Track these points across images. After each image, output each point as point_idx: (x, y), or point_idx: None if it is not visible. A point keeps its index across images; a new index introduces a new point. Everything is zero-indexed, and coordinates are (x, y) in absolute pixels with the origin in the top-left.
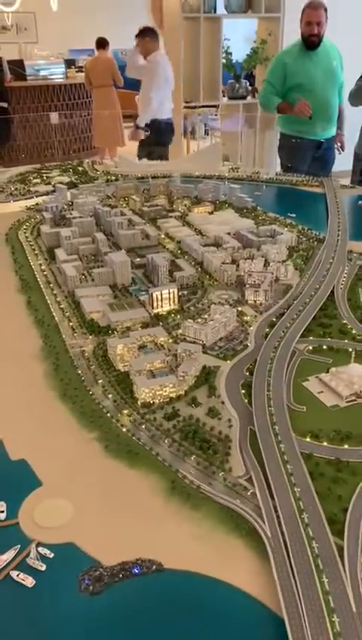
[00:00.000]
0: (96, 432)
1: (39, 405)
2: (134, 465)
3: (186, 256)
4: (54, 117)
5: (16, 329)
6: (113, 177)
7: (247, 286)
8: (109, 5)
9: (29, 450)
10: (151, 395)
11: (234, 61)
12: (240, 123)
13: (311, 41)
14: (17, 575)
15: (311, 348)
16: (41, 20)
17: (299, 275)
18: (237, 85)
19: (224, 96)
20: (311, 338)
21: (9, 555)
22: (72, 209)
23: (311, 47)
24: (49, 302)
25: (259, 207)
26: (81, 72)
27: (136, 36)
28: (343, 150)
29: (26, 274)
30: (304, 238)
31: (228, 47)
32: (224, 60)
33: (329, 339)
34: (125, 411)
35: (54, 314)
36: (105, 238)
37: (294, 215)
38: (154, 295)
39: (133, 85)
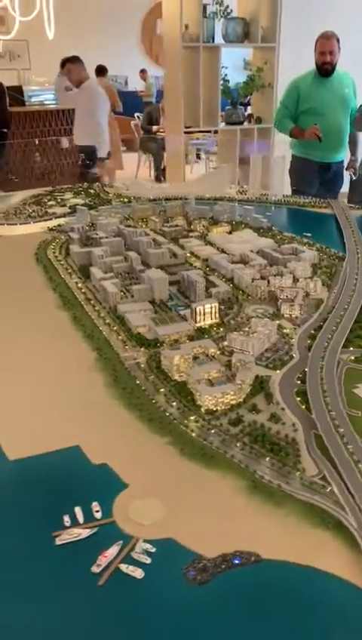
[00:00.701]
0: (168, 437)
1: (107, 413)
2: (211, 466)
3: (216, 273)
4: (64, 141)
5: (68, 343)
6: (126, 199)
7: (280, 301)
8: (101, 34)
9: (108, 455)
10: (213, 402)
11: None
12: (261, 147)
13: (324, 69)
14: (127, 567)
15: (353, 358)
16: (33, 47)
17: (326, 290)
18: (234, 111)
19: (222, 121)
20: (352, 348)
21: (114, 549)
22: (95, 229)
23: (324, 75)
24: (93, 317)
25: (274, 228)
26: None
27: (66, 63)
28: (355, 176)
29: (64, 291)
30: (324, 256)
31: (225, 75)
32: (222, 87)
33: None
34: (191, 418)
35: (101, 328)
36: (138, 256)
37: (309, 234)
38: (197, 309)
39: (128, 111)
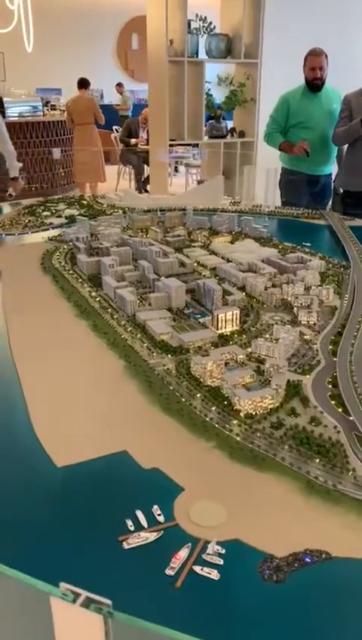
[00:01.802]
0: (213, 441)
1: (148, 419)
2: (262, 469)
3: (227, 282)
4: (57, 152)
5: (94, 352)
6: (120, 210)
7: (296, 308)
8: (76, 47)
9: (157, 460)
10: (253, 406)
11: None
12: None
13: (314, 84)
14: (201, 569)
15: None
16: (9, 60)
17: (338, 297)
18: (217, 125)
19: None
20: None
21: (184, 552)
22: (97, 239)
23: (314, 90)
24: (112, 325)
25: (274, 238)
26: (55, 110)
27: None
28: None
29: (79, 300)
30: (329, 265)
31: (209, 90)
32: (206, 102)
33: None
34: (234, 422)
35: (124, 336)
36: (150, 265)
37: (309, 244)
38: (219, 317)
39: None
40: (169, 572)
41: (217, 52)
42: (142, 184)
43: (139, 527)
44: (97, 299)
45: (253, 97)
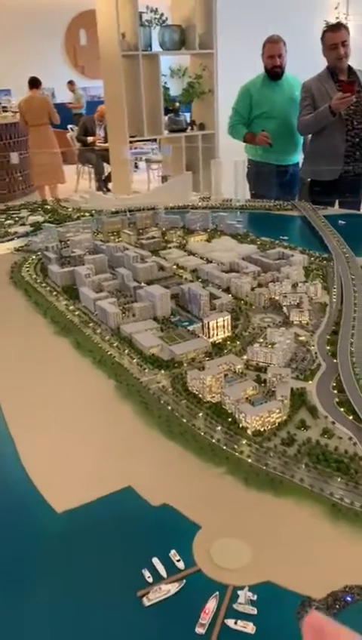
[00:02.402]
0: (224, 466)
1: (150, 445)
2: (282, 494)
3: (211, 284)
4: (14, 157)
5: (80, 372)
6: (87, 213)
7: (285, 307)
8: (24, 45)
9: (166, 493)
10: (260, 422)
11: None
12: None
13: (274, 72)
14: (235, 623)
15: None
16: None
17: (326, 293)
18: (176, 119)
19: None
20: None
21: (212, 603)
22: (68, 247)
23: (274, 78)
24: (96, 341)
25: (250, 233)
26: (6, 111)
27: None
28: None
29: (56, 315)
30: (311, 258)
31: (165, 83)
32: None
33: None
34: (243, 442)
35: (110, 352)
36: (130, 272)
37: (286, 238)
38: (210, 324)
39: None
40: (199, 630)
41: (171, 44)
42: (103, 183)
43: (157, 578)
44: (76, 312)
45: (211, 89)
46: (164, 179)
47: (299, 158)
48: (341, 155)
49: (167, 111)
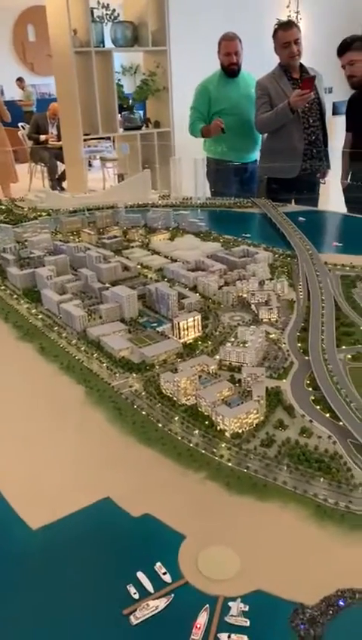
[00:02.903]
0: (204, 471)
1: (126, 453)
2: (265, 498)
3: (177, 284)
4: None
5: (46, 379)
6: (44, 213)
7: (253, 305)
8: None
9: (146, 503)
10: (238, 424)
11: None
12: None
13: (230, 70)
14: (229, 637)
15: (350, 356)
16: None
17: (292, 290)
18: (131, 116)
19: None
20: (344, 347)
21: (203, 617)
22: (26, 248)
23: (231, 75)
24: (62, 346)
25: (212, 231)
26: None
27: None
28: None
29: (18, 320)
30: (276, 255)
31: (119, 80)
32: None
33: (360, 346)
34: (223, 445)
35: (78, 357)
36: (93, 273)
37: (249, 235)
38: (180, 324)
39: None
40: None
41: (124, 40)
42: (57, 182)
43: (144, 594)
44: (39, 316)
45: (166, 86)
46: (120, 177)
47: (257, 155)
48: (300, 153)
49: (121, 109)
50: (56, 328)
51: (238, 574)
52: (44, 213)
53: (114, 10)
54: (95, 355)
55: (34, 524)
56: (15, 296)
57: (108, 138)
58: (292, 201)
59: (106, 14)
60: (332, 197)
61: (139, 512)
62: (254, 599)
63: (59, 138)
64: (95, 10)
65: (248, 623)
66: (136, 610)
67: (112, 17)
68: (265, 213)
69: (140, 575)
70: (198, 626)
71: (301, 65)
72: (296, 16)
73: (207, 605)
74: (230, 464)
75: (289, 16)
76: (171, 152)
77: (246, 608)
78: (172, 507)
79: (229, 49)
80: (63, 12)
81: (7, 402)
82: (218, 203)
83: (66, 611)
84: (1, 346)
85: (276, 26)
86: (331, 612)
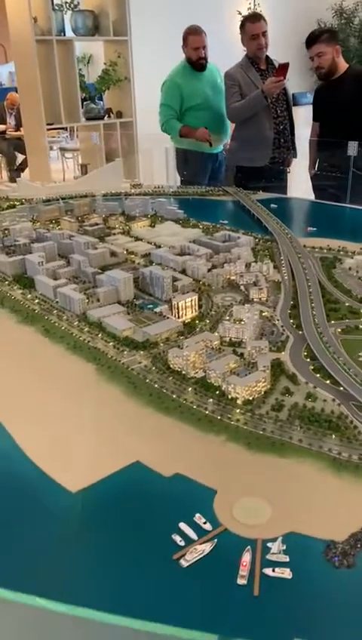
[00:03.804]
0: (224, 434)
1: (148, 421)
2: (284, 454)
3: (166, 267)
4: None
5: (56, 358)
6: (17, 202)
7: (242, 286)
8: None
9: (176, 464)
10: (249, 392)
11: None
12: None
13: (199, 64)
14: (273, 571)
15: (339, 330)
16: None
17: (277, 271)
18: (93, 106)
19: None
20: (333, 322)
21: (247, 557)
22: (7, 236)
23: (199, 70)
24: (64, 328)
25: (191, 218)
26: None
27: None
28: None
29: (15, 305)
30: (256, 240)
31: (80, 69)
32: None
33: (347, 320)
34: (237, 410)
35: (83, 337)
36: (85, 258)
37: (226, 222)
38: (179, 304)
39: None
40: (241, 581)
41: (84, 30)
42: (15, 173)
43: (189, 541)
44: (35, 301)
45: (127, 76)
46: (84, 167)
47: (226, 145)
48: (269, 142)
49: (82, 99)
50: (55, 312)
51: (271, 520)
52: (17, 203)
53: None
54: (100, 336)
55: (73, 487)
56: (7, 282)
57: (66, 129)
58: (260, 189)
59: (66, 2)
60: (299, 185)
61: (169, 472)
62: (289, 540)
63: (17, 128)
64: None
65: (288, 559)
66: (185, 554)
67: (72, 6)
68: (237, 200)
69: (182, 525)
70: (244, 563)
71: (267, 56)
72: (255, 8)
73: (249, 547)
74: (246, 427)
75: (249, 8)
76: (134, 142)
77: (284, 547)
78: (200, 466)
79: (197, 44)
80: None
81: (22, 381)
82: (190, 191)
83: (119, 561)
84: (4, 330)
85: (244, 18)
86: (359, 545)
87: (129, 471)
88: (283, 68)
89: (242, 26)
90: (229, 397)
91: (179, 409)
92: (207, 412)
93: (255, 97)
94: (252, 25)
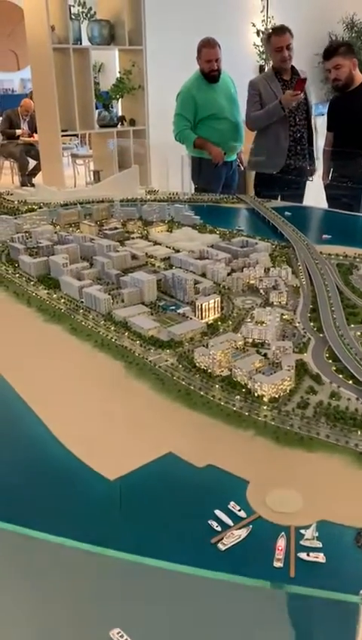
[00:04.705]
0: (252, 429)
1: (178, 416)
2: (313, 449)
3: (185, 271)
4: None
5: (85, 355)
6: (36, 206)
7: (262, 290)
8: None
9: (208, 456)
10: (275, 390)
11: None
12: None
13: (212, 76)
14: (308, 555)
15: (359, 333)
16: None
17: (295, 277)
18: (107, 114)
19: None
20: (352, 325)
21: (282, 542)
22: (29, 238)
23: (212, 81)
24: (90, 326)
25: (207, 224)
26: None
27: None
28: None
29: (42, 304)
30: (273, 246)
31: (95, 77)
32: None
33: None
34: (264, 407)
35: (110, 336)
36: (109, 260)
37: (242, 228)
38: (202, 306)
39: None
40: (277, 564)
41: (100, 39)
42: (27, 178)
43: (225, 527)
44: (61, 301)
45: (141, 85)
46: (96, 173)
47: (240, 153)
48: (284, 150)
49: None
50: (80, 311)
51: (303, 509)
52: (35, 207)
53: (90, 8)
54: (126, 334)
55: (111, 475)
56: (32, 282)
57: (77, 135)
58: (279, 196)
59: (83, 12)
60: (313, 194)
61: (202, 463)
62: (321, 527)
63: (31, 134)
64: (72, 8)
65: (321, 545)
66: (222, 538)
67: (88, 15)
68: (251, 208)
69: (218, 512)
70: (280, 548)
71: (292, 67)
72: (270, 21)
73: (283, 533)
74: (274, 423)
75: (263, 21)
76: (147, 150)
77: (317, 534)
78: (231, 458)
79: (210, 56)
80: (42, 7)
81: (54, 377)
82: (205, 198)
83: (160, 547)
84: (32, 328)
85: (270, 31)
86: None
87: (163, 462)
88: (302, 82)
89: (268, 38)
90: (256, 394)
91: (207, 405)
92: (234, 408)
93: (273, 108)
94: (277, 38)
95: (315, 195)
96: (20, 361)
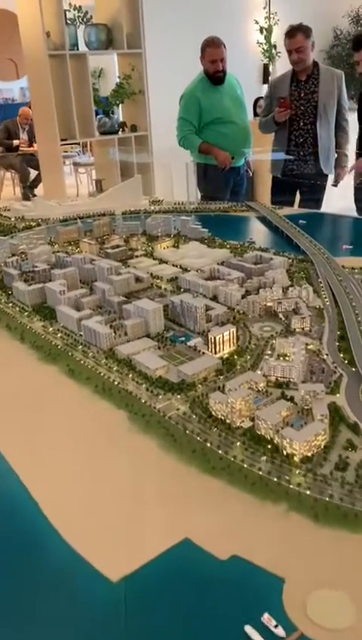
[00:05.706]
0: (284, 502)
1: (193, 486)
2: (358, 529)
3: (194, 294)
4: None
5: (82, 404)
6: (34, 223)
7: (281, 314)
8: None
9: (232, 542)
10: (307, 448)
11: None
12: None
13: (216, 78)
14: None
15: None
16: None
17: (316, 296)
18: (108, 120)
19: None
20: None
21: None
22: (25, 261)
23: (217, 83)
24: (91, 367)
25: (216, 237)
26: None
27: None
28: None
29: (37, 340)
30: (290, 260)
31: (94, 83)
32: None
33: None
34: (297, 471)
35: (112, 379)
36: (110, 286)
37: (253, 240)
38: (216, 339)
39: None
40: None
41: (98, 43)
42: (29, 189)
43: None
44: (57, 335)
45: (141, 89)
46: (98, 182)
47: (248, 158)
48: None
49: (96, 113)
50: (79, 347)
51: (358, 620)
52: (33, 223)
53: (86, 12)
54: (130, 376)
55: (113, 575)
56: (26, 313)
57: (78, 143)
58: (296, 203)
59: (78, 16)
60: (335, 197)
61: (225, 554)
62: None
63: (30, 144)
64: (67, 13)
65: None
66: None
67: (85, 20)
68: (262, 216)
69: (248, 629)
70: None
71: (316, 63)
72: (272, 18)
73: None
74: (310, 493)
75: (266, 17)
76: (150, 156)
77: None
78: (260, 546)
79: (215, 56)
80: (36, 13)
81: (45, 434)
82: (213, 207)
83: None
84: (25, 370)
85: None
86: None
87: (177, 552)
88: (285, 101)
89: (285, 40)
90: (284, 453)
91: (227, 469)
92: (261, 473)
93: (270, 119)
94: (288, 40)
95: (335, 200)
96: (5, 412)
